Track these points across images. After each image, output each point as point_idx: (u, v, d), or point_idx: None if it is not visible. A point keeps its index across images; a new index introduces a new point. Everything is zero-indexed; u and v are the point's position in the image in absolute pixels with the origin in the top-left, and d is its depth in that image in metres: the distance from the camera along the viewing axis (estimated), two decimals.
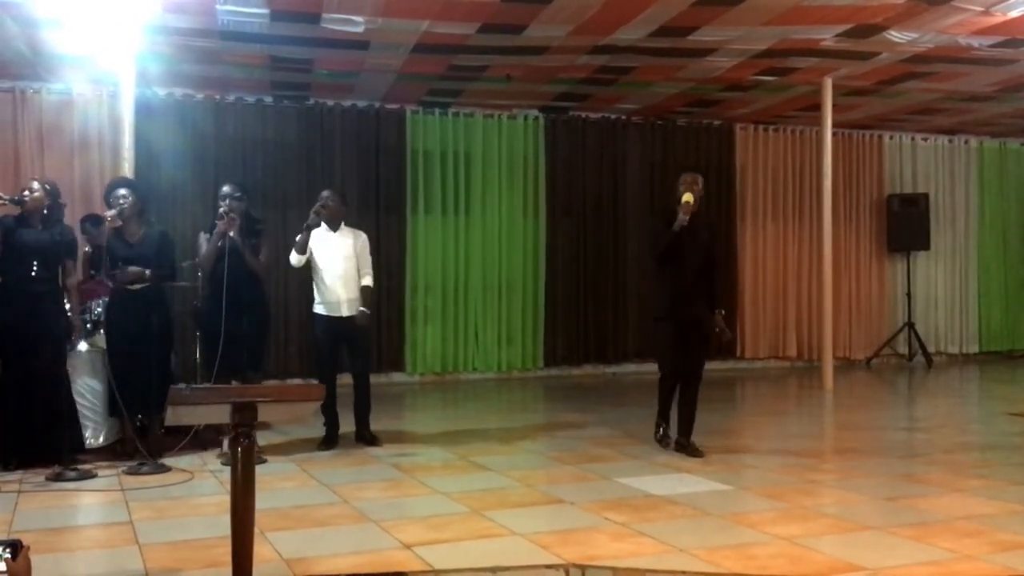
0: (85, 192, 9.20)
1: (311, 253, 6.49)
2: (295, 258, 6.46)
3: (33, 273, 5.73)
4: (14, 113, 9.23)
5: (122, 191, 6.08)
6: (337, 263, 6.50)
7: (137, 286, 5.97)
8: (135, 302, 5.95)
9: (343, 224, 6.63)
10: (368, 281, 6.61)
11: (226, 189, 6.31)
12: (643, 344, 10.92)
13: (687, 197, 5.94)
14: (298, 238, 6.44)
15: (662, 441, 6.38)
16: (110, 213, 5.97)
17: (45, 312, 5.72)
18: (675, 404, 6.35)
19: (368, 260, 6.65)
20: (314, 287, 6.59)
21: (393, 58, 8.56)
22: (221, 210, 6.15)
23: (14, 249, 5.77)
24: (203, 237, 6.31)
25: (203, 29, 7.57)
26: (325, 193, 6.64)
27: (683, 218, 5.89)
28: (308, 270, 6.60)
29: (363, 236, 6.72)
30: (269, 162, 9.97)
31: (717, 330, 6.15)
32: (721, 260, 6.55)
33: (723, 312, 6.24)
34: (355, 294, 6.53)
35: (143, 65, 7.86)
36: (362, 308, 6.52)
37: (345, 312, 6.50)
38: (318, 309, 6.56)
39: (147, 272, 5.99)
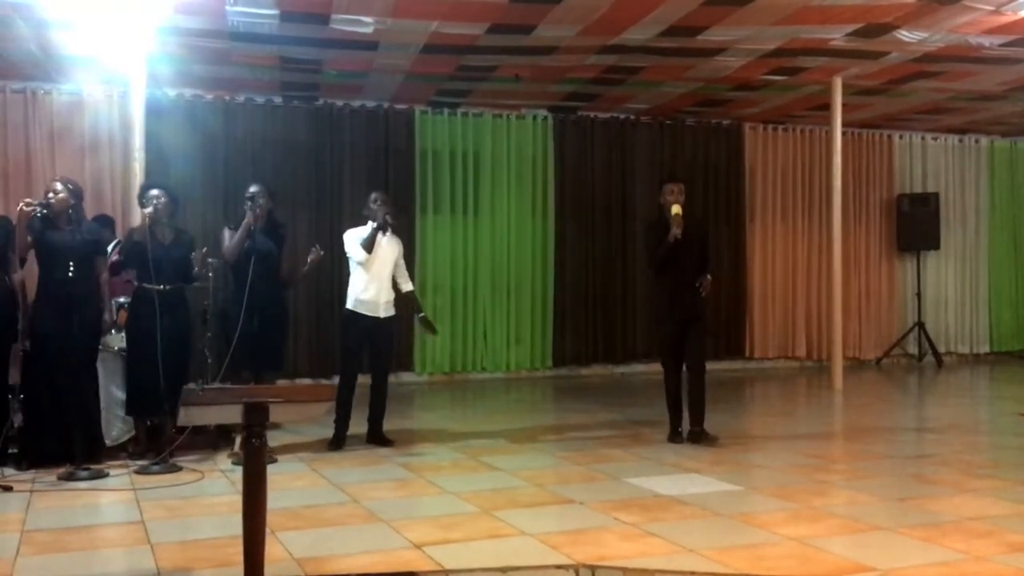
0: (96, 192, 9.22)
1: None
2: (362, 255, 6.51)
3: (71, 274, 5.72)
4: (26, 114, 9.27)
5: (155, 191, 6.11)
6: (386, 266, 6.63)
7: (165, 286, 5.96)
8: (160, 302, 5.93)
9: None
10: (411, 286, 6.91)
11: (253, 189, 6.32)
12: (651, 345, 10.89)
13: (676, 210, 6.27)
14: (366, 235, 6.47)
15: (675, 440, 6.56)
16: (147, 211, 5.97)
17: (85, 313, 5.72)
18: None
19: (404, 266, 6.84)
20: (353, 284, 6.62)
21: (402, 58, 8.57)
22: (250, 196, 6.21)
23: (48, 252, 5.76)
24: (227, 232, 6.33)
25: (213, 30, 7.60)
26: (377, 195, 6.69)
27: (676, 231, 6.23)
28: (335, 268, 6.64)
29: (400, 243, 6.85)
30: (278, 162, 9.99)
31: (700, 285, 6.40)
32: (714, 260, 6.91)
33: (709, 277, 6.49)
34: (391, 297, 6.67)
35: (153, 66, 7.89)
36: (423, 314, 6.96)
37: (382, 314, 6.60)
38: (355, 307, 6.59)
39: (206, 262, 6.12)
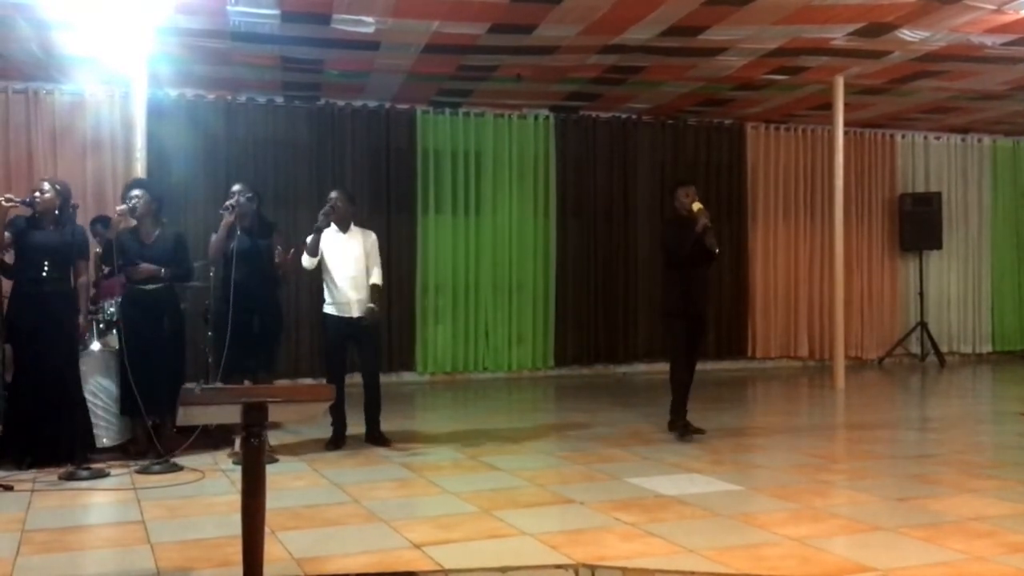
0: (97, 193, 9.25)
1: (322, 254, 6.52)
2: (307, 260, 6.48)
3: (44, 274, 5.73)
4: (27, 114, 9.28)
5: (136, 191, 6.12)
6: (348, 264, 6.52)
7: (150, 285, 6.00)
8: (148, 302, 5.97)
9: (352, 224, 6.66)
10: (376, 279, 6.63)
11: (235, 188, 6.32)
12: (653, 344, 10.89)
13: (698, 205, 6.54)
14: (308, 240, 6.46)
15: (682, 435, 6.66)
16: (120, 208, 5.99)
17: (56, 312, 5.71)
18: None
19: (377, 259, 6.68)
20: (324, 287, 6.61)
21: (403, 58, 8.57)
22: (228, 203, 6.16)
23: (26, 250, 5.78)
24: (213, 238, 6.33)
25: (214, 30, 7.60)
26: (333, 194, 6.65)
27: (705, 220, 6.48)
28: (319, 271, 6.62)
29: (372, 236, 6.76)
30: (280, 162, 10.00)
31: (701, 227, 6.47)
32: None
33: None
34: (365, 294, 6.57)
35: (155, 66, 7.90)
36: (370, 305, 6.53)
37: (356, 312, 6.52)
38: (328, 309, 6.58)
39: (162, 271, 6.02)
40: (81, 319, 6.01)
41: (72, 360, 5.82)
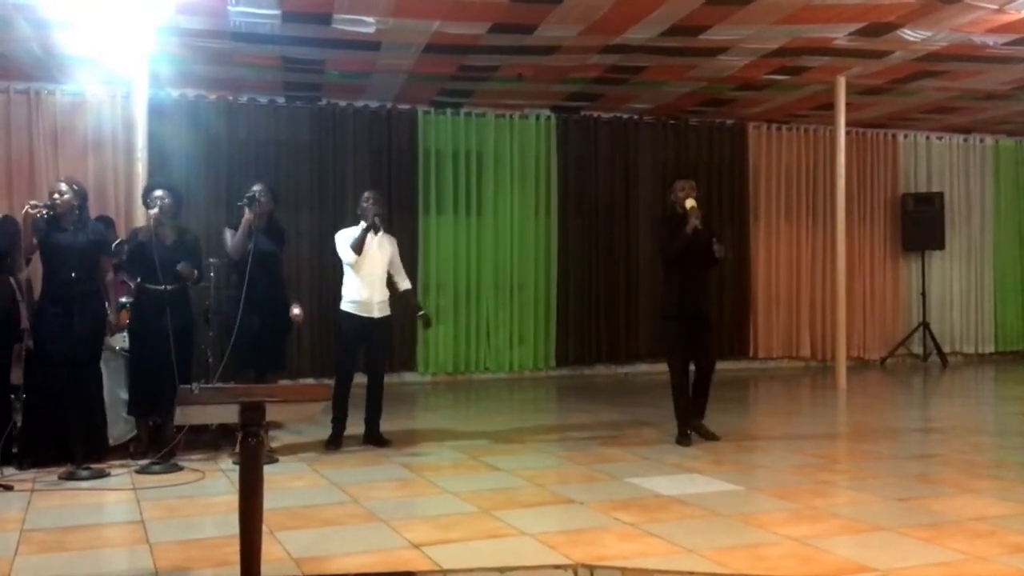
0: (99, 193, 9.23)
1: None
2: (351, 257, 6.48)
3: (74, 275, 5.69)
4: (28, 114, 9.28)
5: (159, 191, 6.07)
6: (377, 265, 6.58)
7: (170, 287, 5.96)
8: (165, 303, 5.90)
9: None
10: (408, 284, 6.87)
11: (256, 188, 6.30)
12: (655, 344, 10.86)
13: (692, 203, 6.34)
14: (356, 236, 6.44)
15: (683, 443, 6.48)
16: (153, 212, 5.94)
17: (88, 314, 5.70)
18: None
19: (400, 264, 6.83)
20: (346, 285, 6.59)
21: (404, 58, 8.57)
22: (249, 195, 6.14)
23: (52, 253, 5.74)
24: (228, 232, 6.31)
25: (215, 30, 7.60)
26: (373, 194, 6.68)
27: (695, 222, 6.29)
28: (339, 269, 6.65)
29: (395, 241, 6.83)
30: (281, 163, 9.99)
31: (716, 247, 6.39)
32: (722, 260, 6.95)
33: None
34: (384, 297, 6.62)
35: (156, 66, 7.90)
36: (423, 312, 6.98)
37: (376, 313, 6.56)
38: (348, 307, 6.57)
39: (195, 272, 6.04)
40: (111, 316, 6.03)
41: (97, 359, 5.87)
